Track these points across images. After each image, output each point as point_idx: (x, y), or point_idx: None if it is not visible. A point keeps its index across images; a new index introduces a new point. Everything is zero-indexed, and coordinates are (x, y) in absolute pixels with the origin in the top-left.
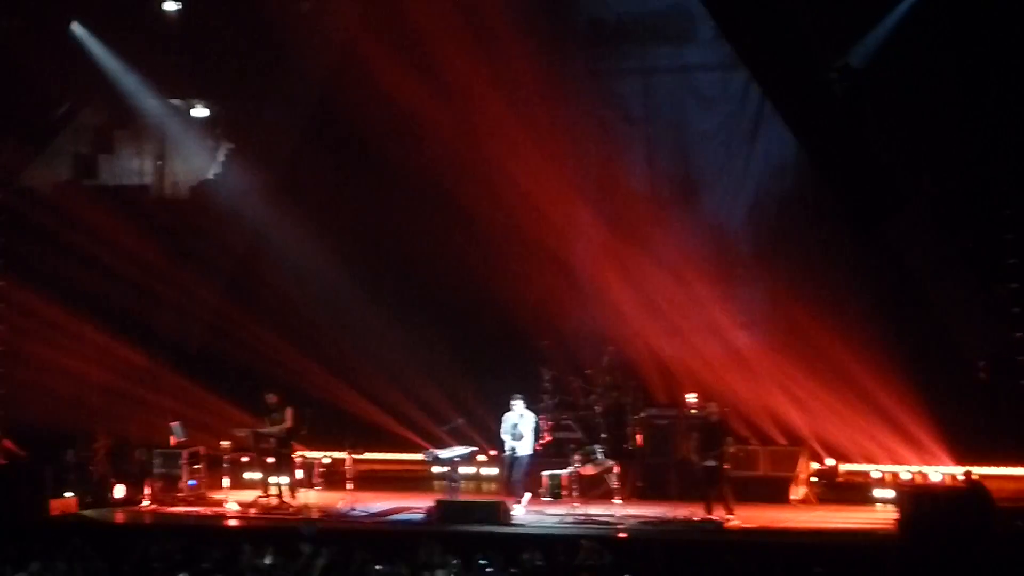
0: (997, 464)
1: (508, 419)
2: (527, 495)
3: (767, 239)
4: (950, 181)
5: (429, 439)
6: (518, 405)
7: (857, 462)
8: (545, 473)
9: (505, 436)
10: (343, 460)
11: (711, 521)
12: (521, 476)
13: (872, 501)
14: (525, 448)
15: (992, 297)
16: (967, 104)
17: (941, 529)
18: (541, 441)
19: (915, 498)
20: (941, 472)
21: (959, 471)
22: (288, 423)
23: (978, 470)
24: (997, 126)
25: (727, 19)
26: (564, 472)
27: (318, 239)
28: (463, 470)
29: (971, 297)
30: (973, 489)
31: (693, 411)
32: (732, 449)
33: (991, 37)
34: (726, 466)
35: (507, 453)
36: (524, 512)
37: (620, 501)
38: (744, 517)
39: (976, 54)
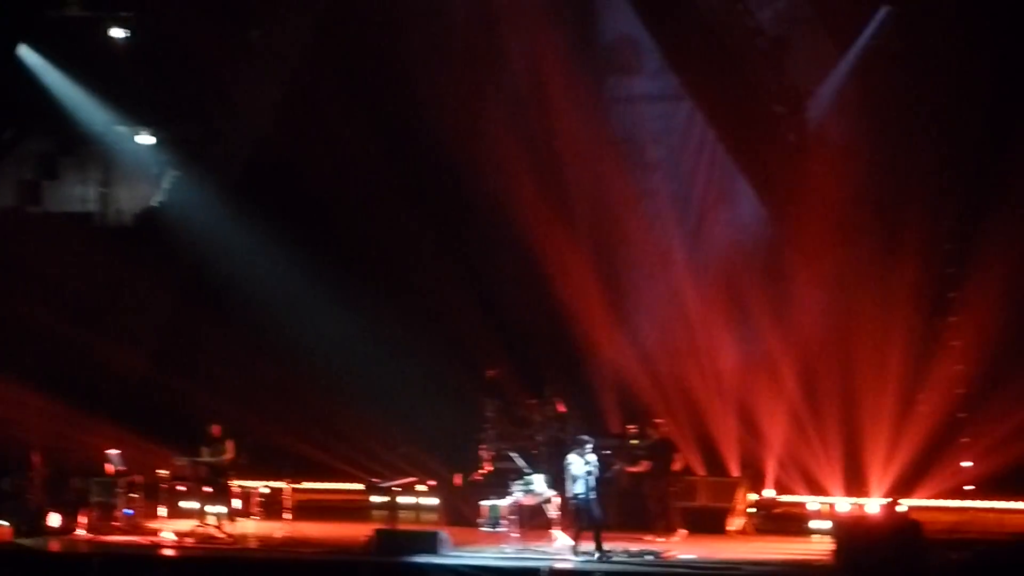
0: (934, 497)
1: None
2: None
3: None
4: (891, 215)
5: (368, 469)
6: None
7: (797, 493)
8: (485, 503)
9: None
10: (281, 490)
11: (650, 552)
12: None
13: (809, 532)
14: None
15: (933, 330)
16: (914, 141)
17: (875, 561)
18: (481, 471)
19: (850, 530)
20: (879, 504)
21: (899, 504)
22: (230, 454)
23: (915, 502)
24: (944, 162)
25: (676, 52)
26: (504, 502)
27: (261, 267)
28: (403, 500)
29: (912, 330)
30: (905, 521)
31: (633, 441)
32: (678, 467)
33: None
34: (671, 487)
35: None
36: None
37: (559, 532)
38: (683, 548)
39: (921, 95)
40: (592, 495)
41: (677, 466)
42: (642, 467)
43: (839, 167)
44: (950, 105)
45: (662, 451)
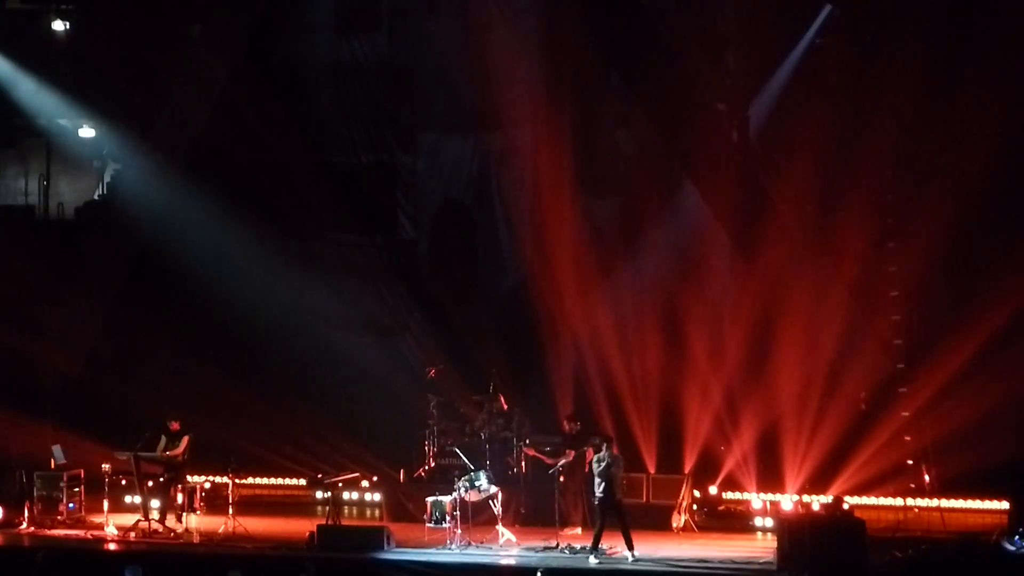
0: (877, 494)
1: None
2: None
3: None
4: (834, 212)
5: (311, 465)
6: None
7: (742, 490)
8: (429, 499)
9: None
10: (225, 485)
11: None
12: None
13: (753, 530)
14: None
15: (875, 328)
16: (856, 140)
17: (818, 559)
18: (424, 468)
19: (793, 528)
20: (822, 502)
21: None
22: (181, 450)
23: (859, 500)
24: (885, 160)
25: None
26: (448, 498)
27: (203, 262)
28: (346, 495)
29: (854, 328)
30: (848, 519)
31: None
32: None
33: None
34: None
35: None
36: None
37: (503, 528)
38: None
39: (862, 93)
40: (602, 494)
41: (588, 458)
42: (569, 458)
43: (781, 165)
44: (892, 104)
45: (576, 446)
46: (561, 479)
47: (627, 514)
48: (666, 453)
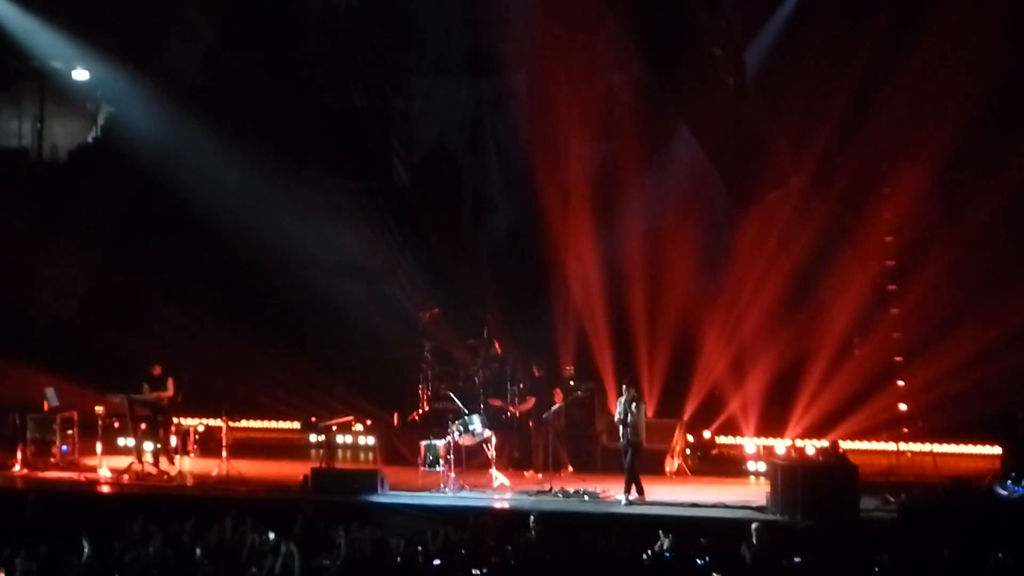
0: (869, 439)
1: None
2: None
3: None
4: (828, 158)
5: (305, 408)
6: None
7: (736, 434)
8: (423, 443)
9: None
10: (219, 428)
11: (588, 492)
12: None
13: (746, 474)
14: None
15: (869, 274)
16: (854, 87)
17: (810, 503)
18: (418, 411)
19: (786, 472)
20: (815, 447)
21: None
22: (169, 392)
23: (851, 445)
24: (877, 103)
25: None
26: (442, 442)
27: (196, 206)
28: (340, 439)
29: (849, 273)
30: (841, 464)
31: (571, 382)
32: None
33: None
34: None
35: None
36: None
37: (497, 472)
38: (619, 489)
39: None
40: (623, 439)
41: (556, 402)
42: (529, 404)
43: (777, 111)
44: (887, 48)
45: (545, 389)
46: (530, 424)
47: (638, 459)
48: (665, 398)
